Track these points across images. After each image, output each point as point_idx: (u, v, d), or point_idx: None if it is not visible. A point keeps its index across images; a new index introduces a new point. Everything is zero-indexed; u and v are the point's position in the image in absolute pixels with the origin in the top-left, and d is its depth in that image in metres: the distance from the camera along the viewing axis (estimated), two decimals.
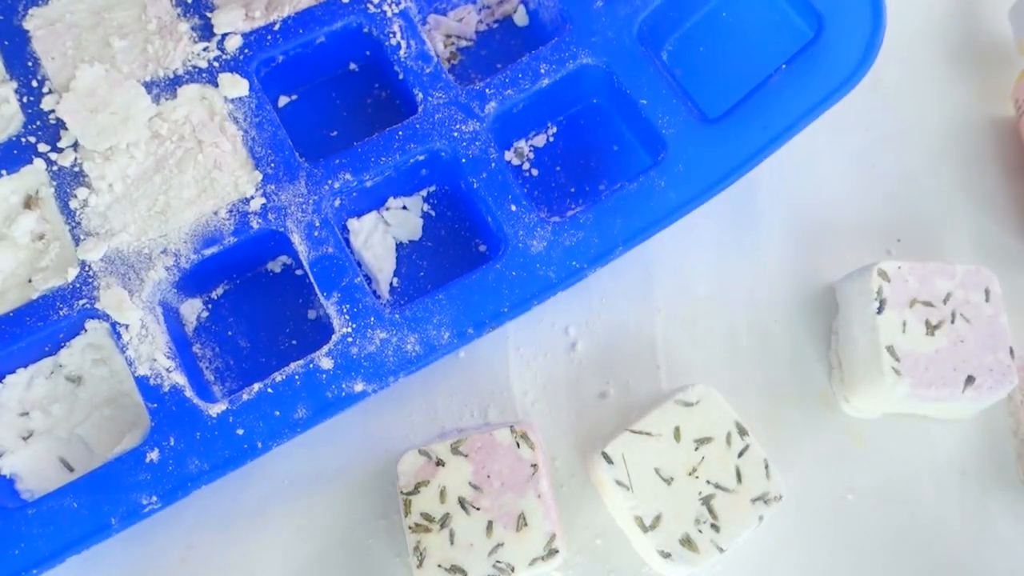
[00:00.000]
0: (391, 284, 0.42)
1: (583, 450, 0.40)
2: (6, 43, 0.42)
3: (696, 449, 0.36)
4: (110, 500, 0.35)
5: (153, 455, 0.36)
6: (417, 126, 0.41)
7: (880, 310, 0.38)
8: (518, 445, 0.37)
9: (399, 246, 0.43)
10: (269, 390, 0.37)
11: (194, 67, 0.41)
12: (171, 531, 0.39)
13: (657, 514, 0.36)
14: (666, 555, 0.35)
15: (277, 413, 0.36)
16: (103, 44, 0.42)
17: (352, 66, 0.45)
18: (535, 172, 0.44)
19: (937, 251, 0.44)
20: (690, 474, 0.36)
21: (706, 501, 0.36)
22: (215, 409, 0.37)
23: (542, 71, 0.42)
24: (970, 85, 0.47)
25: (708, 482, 0.36)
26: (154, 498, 0.35)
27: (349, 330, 0.37)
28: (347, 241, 0.42)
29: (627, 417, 0.40)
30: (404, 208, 0.43)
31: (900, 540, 0.40)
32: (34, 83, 0.41)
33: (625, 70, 0.42)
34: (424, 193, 0.44)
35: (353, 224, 0.42)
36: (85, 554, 0.36)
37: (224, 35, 0.42)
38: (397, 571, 0.39)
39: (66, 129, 0.40)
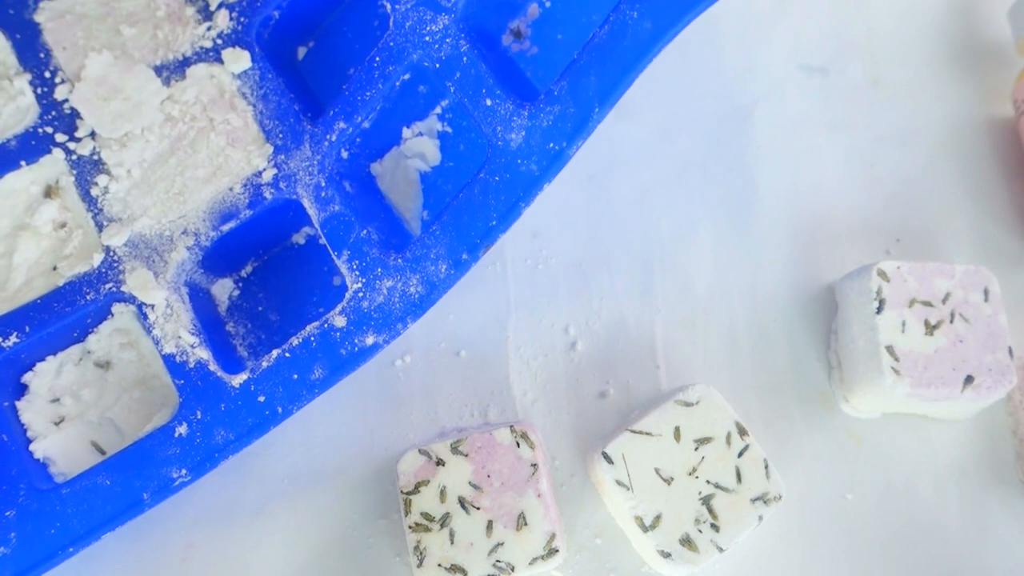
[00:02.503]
0: (422, 219, 0.42)
1: (583, 450, 0.40)
2: (18, 36, 0.42)
3: (696, 449, 0.36)
4: (142, 476, 0.36)
5: (182, 429, 0.36)
6: (391, 44, 0.38)
7: (879, 310, 0.38)
8: (518, 445, 0.37)
9: (423, 176, 0.42)
10: (287, 354, 0.37)
11: (201, 48, 0.41)
12: (171, 530, 0.39)
13: (657, 514, 0.36)
14: (666, 555, 0.35)
15: (295, 376, 0.37)
16: (113, 33, 0.42)
17: None
18: (535, 50, 0.41)
19: (936, 251, 0.44)
20: (690, 474, 0.36)
21: (706, 501, 0.36)
22: (237, 380, 0.37)
23: None
24: (970, 85, 0.47)
25: (708, 482, 0.36)
26: (184, 471, 0.36)
27: (360, 285, 0.37)
28: (375, 188, 0.41)
29: (627, 417, 0.40)
30: (420, 135, 0.42)
31: (899, 540, 0.40)
32: (47, 74, 0.41)
33: None
34: (438, 110, 0.42)
35: (376, 168, 0.42)
36: (85, 553, 0.36)
37: (219, 6, 0.42)
38: (397, 571, 0.39)
39: (81, 118, 0.40)
